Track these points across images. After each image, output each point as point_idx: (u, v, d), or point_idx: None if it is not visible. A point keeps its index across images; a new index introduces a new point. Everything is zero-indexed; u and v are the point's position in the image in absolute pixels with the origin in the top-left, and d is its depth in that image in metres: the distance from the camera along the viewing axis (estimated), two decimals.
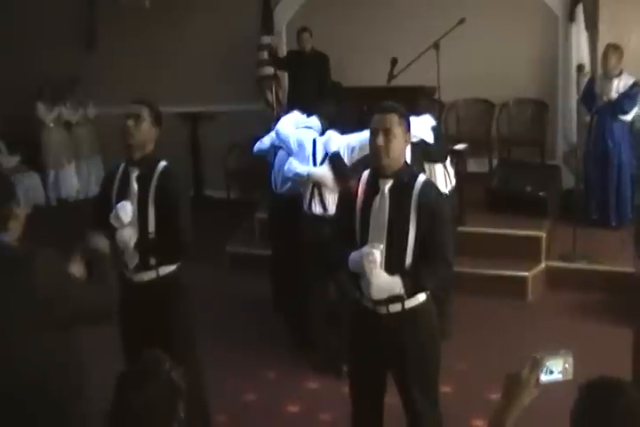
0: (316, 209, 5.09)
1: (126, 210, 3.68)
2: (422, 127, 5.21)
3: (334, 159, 5.03)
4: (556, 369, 1.94)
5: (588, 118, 7.17)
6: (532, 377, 1.92)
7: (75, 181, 10.05)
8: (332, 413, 4.57)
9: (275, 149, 5.57)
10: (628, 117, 7.11)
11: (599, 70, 7.13)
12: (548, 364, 1.93)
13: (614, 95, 7.00)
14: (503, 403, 1.96)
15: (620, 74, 7.05)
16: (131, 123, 3.70)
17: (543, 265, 6.55)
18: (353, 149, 4.97)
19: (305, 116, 5.60)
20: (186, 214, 3.75)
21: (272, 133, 5.62)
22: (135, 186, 3.74)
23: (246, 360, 5.21)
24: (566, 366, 1.95)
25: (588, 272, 6.38)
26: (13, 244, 2.56)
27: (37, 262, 2.44)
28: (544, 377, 1.92)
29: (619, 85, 7.02)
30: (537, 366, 1.92)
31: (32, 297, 2.39)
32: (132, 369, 2.18)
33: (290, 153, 5.29)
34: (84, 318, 2.60)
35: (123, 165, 3.84)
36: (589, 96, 7.05)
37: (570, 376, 1.94)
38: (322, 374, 5.07)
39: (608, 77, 7.05)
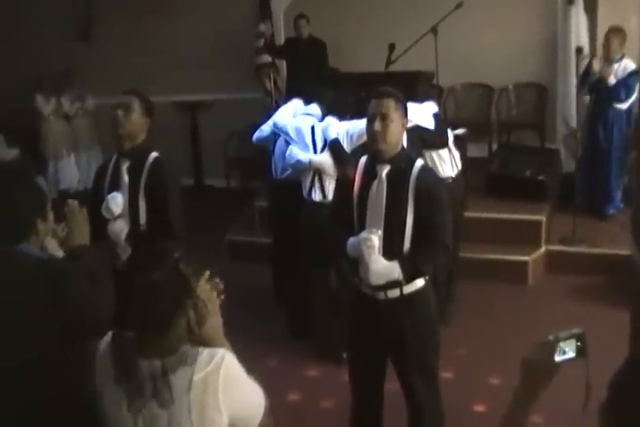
0: (317, 196, 5.08)
1: (117, 201, 3.67)
2: (422, 114, 5.19)
3: (334, 146, 5.02)
4: (569, 349, 1.92)
5: (587, 98, 7.07)
6: (548, 359, 1.90)
7: (75, 172, 10.04)
8: (333, 400, 4.59)
9: (275, 136, 5.55)
10: (624, 106, 6.93)
11: (599, 53, 7.00)
12: (561, 344, 1.91)
13: (613, 80, 6.81)
14: (522, 388, 1.93)
15: (621, 58, 6.87)
16: (120, 113, 3.69)
17: (543, 249, 6.54)
18: (352, 136, 4.95)
19: (304, 103, 5.57)
20: (177, 205, 3.73)
21: (269, 122, 5.60)
22: (126, 177, 3.74)
23: (247, 348, 5.16)
24: (579, 344, 1.93)
25: (589, 256, 6.38)
26: (40, 254, 2.53)
27: (71, 279, 2.42)
28: (558, 358, 1.91)
29: (618, 70, 6.82)
30: (551, 347, 1.91)
31: (62, 311, 2.36)
32: (142, 255, 2.17)
33: (290, 141, 5.27)
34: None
35: (115, 157, 3.84)
36: (587, 79, 6.94)
37: (584, 355, 1.93)
38: (322, 362, 5.07)
39: (609, 61, 6.84)
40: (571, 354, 1.91)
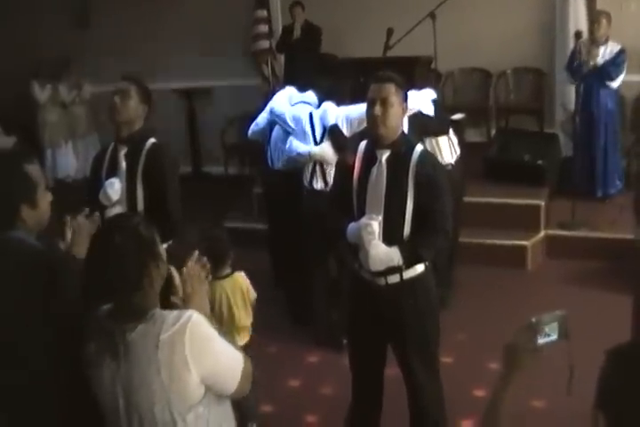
0: (318, 184, 5.07)
1: (114, 188, 3.67)
2: (422, 101, 5.16)
3: (333, 132, 4.99)
4: (552, 331, 1.93)
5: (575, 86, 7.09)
6: (530, 343, 1.91)
7: (72, 160, 10.00)
8: (334, 386, 4.59)
9: (270, 125, 5.51)
10: (615, 84, 7.00)
11: (584, 37, 7.00)
12: (543, 327, 1.92)
13: (600, 61, 6.90)
14: (505, 373, 1.95)
15: (606, 41, 6.96)
16: (117, 99, 3.68)
17: (542, 234, 6.54)
18: (352, 122, 4.93)
19: (299, 91, 5.53)
20: (174, 191, 3.73)
21: (264, 113, 5.54)
22: (123, 164, 3.73)
23: None
24: (562, 326, 1.94)
25: (588, 240, 6.37)
26: (35, 242, 2.49)
27: (58, 265, 2.41)
28: (541, 340, 1.91)
29: (605, 52, 6.92)
30: (533, 330, 1.91)
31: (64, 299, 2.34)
32: (104, 224, 2.32)
33: (287, 130, 5.23)
34: None
35: (112, 144, 3.84)
36: (574, 63, 6.98)
37: (566, 337, 1.94)
38: (322, 348, 5.08)
39: (595, 44, 6.94)
40: (553, 336, 1.92)
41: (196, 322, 2.13)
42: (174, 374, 2.09)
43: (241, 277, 3.94)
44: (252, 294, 3.92)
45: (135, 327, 2.12)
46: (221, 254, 3.84)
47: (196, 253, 2.41)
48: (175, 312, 2.16)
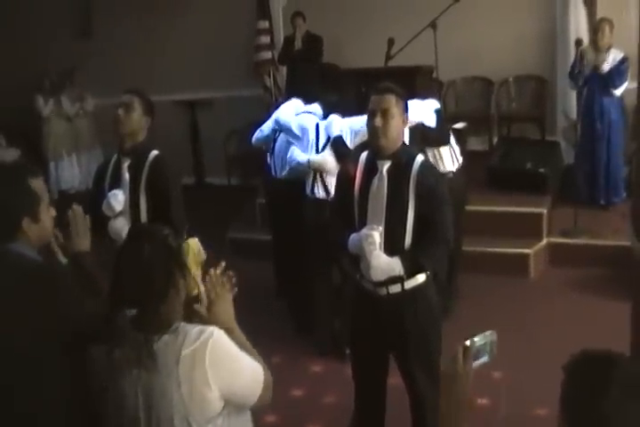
0: (319, 193, 5.08)
1: (118, 198, 3.70)
2: (424, 111, 5.18)
3: (336, 143, 5.01)
4: (484, 352, 1.95)
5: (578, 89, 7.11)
6: (466, 367, 1.92)
7: (75, 172, 10.05)
8: (337, 396, 4.59)
9: (274, 134, 5.54)
10: (618, 92, 7.02)
11: (585, 43, 7.02)
12: (477, 349, 1.93)
13: (607, 67, 6.93)
14: (446, 401, 1.94)
15: (609, 48, 6.99)
16: (121, 112, 3.72)
17: (545, 242, 6.54)
18: (356, 133, 4.94)
19: (304, 103, 5.55)
20: (177, 203, 3.76)
21: (269, 122, 5.57)
22: (127, 175, 3.77)
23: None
24: (492, 346, 1.97)
25: (590, 247, 6.38)
26: (35, 257, 2.49)
27: (58, 281, 2.41)
28: (475, 363, 1.93)
29: (609, 58, 6.96)
30: (468, 353, 1.92)
31: (53, 314, 2.32)
32: (132, 233, 2.34)
33: (291, 140, 5.25)
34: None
35: (115, 156, 3.87)
36: (576, 70, 6.99)
37: (493, 355, 1.96)
38: (325, 358, 5.08)
39: (599, 51, 6.99)
40: (485, 357, 1.94)
41: (218, 338, 2.14)
42: (194, 389, 2.09)
43: (193, 242, 4.33)
44: (202, 256, 4.20)
45: (160, 338, 2.13)
46: None
47: (223, 263, 2.41)
48: (198, 327, 2.16)
